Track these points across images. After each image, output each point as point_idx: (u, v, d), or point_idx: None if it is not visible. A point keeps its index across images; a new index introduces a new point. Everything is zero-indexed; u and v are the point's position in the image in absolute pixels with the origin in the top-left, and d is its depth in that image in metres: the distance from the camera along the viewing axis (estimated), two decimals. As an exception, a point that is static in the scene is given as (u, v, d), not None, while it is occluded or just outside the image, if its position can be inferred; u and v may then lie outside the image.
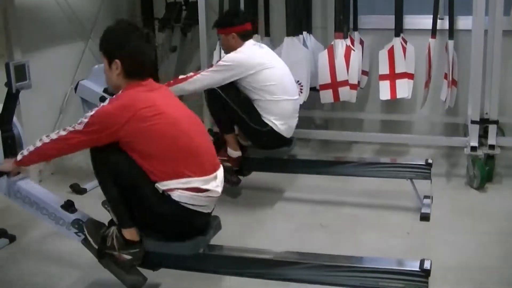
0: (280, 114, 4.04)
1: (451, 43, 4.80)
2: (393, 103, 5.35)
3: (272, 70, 4.05)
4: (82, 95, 4.65)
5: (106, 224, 3.00)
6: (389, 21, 4.88)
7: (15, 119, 3.26)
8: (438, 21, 4.92)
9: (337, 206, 4.23)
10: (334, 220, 3.97)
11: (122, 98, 2.77)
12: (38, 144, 2.86)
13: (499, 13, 4.30)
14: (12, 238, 3.72)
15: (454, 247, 3.54)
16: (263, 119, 4.02)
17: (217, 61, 4.15)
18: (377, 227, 3.85)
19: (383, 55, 4.75)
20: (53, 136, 2.81)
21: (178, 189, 2.73)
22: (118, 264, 2.90)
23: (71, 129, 2.77)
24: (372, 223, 3.91)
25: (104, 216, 3.03)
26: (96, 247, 2.91)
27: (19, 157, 2.95)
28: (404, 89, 4.70)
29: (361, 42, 5.20)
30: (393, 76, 4.72)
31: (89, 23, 5.28)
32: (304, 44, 4.98)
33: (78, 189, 4.52)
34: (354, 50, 4.73)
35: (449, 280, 3.11)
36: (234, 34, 4.10)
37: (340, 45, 4.67)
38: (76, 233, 3.01)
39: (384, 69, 4.74)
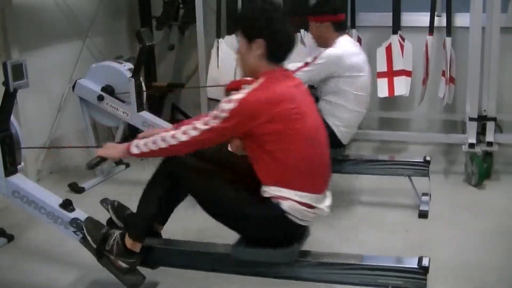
0: (347, 122, 3.89)
1: (449, 40, 4.80)
2: (391, 101, 5.34)
3: (364, 79, 3.87)
4: (80, 94, 4.66)
5: (105, 223, 3.00)
6: (386, 18, 4.88)
7: (12, 118, 3.25)
8: (436, 18, 4.93)
9: (335, 203, 4.22)
10: (332, 218, 3.96)
11: (269, 90, 2.52)
12: (162, 144, 2.60)
13: (496, 10, 4.31)
14: (10, 238, 3.71)
15: (453, 244, 3.54)
16: (326, 121, 3.77)
17: (312, 58, 3.83)
18: (376, 224, 3.85)
19: (381, 52, 4.75)
20: (182, 137, 2.56)
21: (291, 200, 2.56)
22: (115, 266, 2.90)
23: (204, 127, 2.52)
24: (370, 221, 3.91)
25: (102, 215, 3.03)
26: (95, 246, 2.90)
27: (134, 149, 2.68)
28: (402, 86, 4.70)
29: (359, 40, 5.19)
30: (391, 74, 4.72)
31: (87, 22, 5.27)
32: (302, 41, 4.97)
33: (76, 188, 4.51)
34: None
35: (447, 277, 3.11)
36: (328, 24, 3.86)
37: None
38: (74, 232, 3.00)
39: (382, 66, 4.73)
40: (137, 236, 2.83)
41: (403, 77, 4.70)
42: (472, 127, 4.42)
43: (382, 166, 4.17)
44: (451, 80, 4.82)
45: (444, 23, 4.90)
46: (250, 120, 2.48)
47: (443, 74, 4.80)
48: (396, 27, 4.77)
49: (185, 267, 2.93)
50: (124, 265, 2.85)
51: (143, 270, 2.93)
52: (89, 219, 2.99)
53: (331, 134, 3.80)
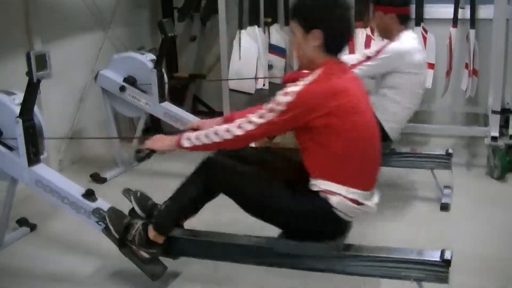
0: (399, 118, 3.79)
1: (472, 32, 4.76)
2: (413, 93, 5.31)
3: (423, 77, 3.82)
4: (102, 84, 4.68)
5: (127, 213, 3.02)
6: (409, 10, 4.85)
7: (36, 108, 3.27)
8: (459, 10, 4.89)
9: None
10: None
11: (326, 82, 2.44)
12: (215, 138, 2.55)
13: (521, 1, 4.27)
14: (33, 227, 3.75)
15: (475, 237, 3.52)
16: (376, 115, 3.37)
17: (374, 52, 3.70)
18: (397, 217, 3.83)
19: (403, 44, 4.71)
20: (237, 131, 2.51)
21: (340, 195, 2.50)
22: (137, 256, 2.91)
23: (260, 121, 2.46)
24: (392, 213, 3.89)
25: (124, 205, 3.05)
26: (117, 236, 2.91)
27: (185, 142, 2.63)
28: (424, 78, 4.67)
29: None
30: (413, 66, 4.68)
31: (109, 13, 5.29)
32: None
33: (98, 178, 4.54)
34: (374, 39, 4.70)
35: (469, 270, 3.08)
36: (393, 15, 3.69)
37: (360, 34, 4.65)
38: (97, 222, 3.02)
39: (404, 58, 4.70)
40: (163, 231, 2.84)
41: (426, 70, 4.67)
42: (495, 120, 4.38)
43: (403, 159, 4.15)
44: (474, 72, 4.78)
45: (467, 15, 4.86)
46: (307, 113, 2.41)
47: (466, 66, 4.77)
48: (419, 19, 4.75)
49: (209, 258, 2.93)
50: (146, 255, 2.87)
51: (164, 260, 2.95)
52: (112, 209, 3.00)
53: (381, 129, 3.65)
